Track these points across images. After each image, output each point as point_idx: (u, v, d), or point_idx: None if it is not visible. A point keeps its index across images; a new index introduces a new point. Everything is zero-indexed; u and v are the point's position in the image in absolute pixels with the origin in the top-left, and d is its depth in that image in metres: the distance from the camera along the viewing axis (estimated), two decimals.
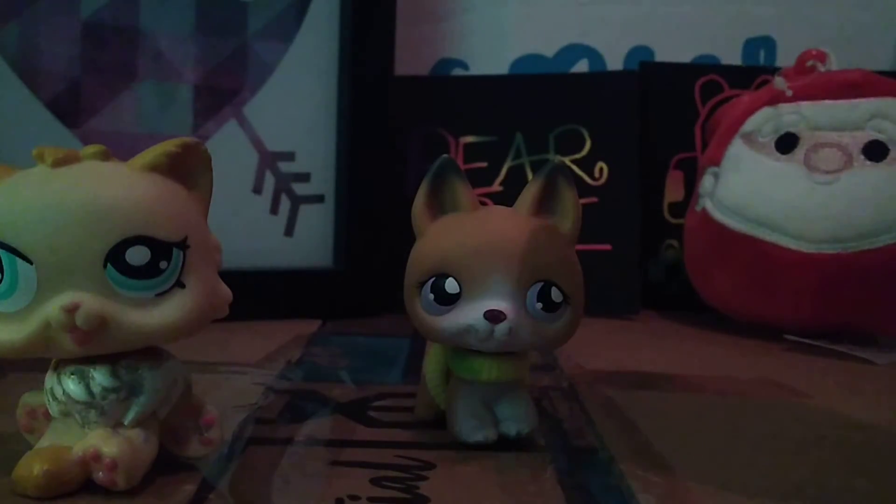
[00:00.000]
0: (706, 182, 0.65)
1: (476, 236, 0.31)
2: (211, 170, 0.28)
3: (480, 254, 0.31)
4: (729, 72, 0.77)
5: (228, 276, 0.29)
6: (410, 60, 0.77)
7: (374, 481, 0.28)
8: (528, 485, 0.29)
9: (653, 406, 0.40)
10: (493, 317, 0.30)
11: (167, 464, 0.28)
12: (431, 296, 0.31)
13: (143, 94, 0.62)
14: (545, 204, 0.32)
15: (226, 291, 0.28)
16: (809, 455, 0.32)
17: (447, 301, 0.31)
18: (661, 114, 0.77)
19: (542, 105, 0.74)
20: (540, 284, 0.31)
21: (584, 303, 0.32)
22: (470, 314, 0.30)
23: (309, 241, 0.67)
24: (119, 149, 0.27)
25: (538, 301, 0.31)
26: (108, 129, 0.61)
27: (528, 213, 0.32)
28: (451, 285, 0.31)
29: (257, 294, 0.59)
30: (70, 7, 0.60)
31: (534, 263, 0.30)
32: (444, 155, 0.33)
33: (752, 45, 0.84)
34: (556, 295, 0.31)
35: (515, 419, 0.32)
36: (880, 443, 0.35)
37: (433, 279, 0.31)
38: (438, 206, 0.33)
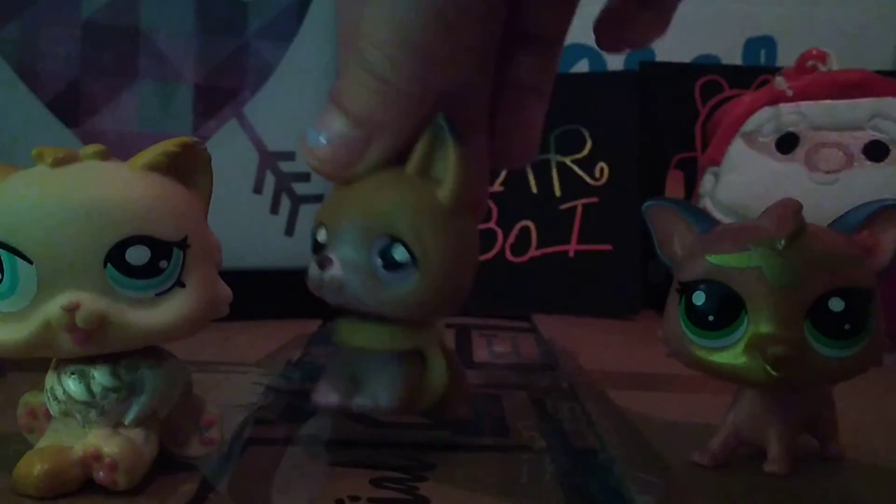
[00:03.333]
0: (706, 182, 0.65)
1: (348, 188, 0.29)
2: (211, 169, 0.28)
3: (342, 203, 0.29)
4: (729, 72, 0.77)
5: (228, 276, 0.29)
6: None
7: (375, 482, 0.28)
8: (528, 486, 0.29)
9: (653, 407, 0.40)
10: (321, 262, 0.28)
11: (167, 463, 0.28)
12: (311, 243, 0.30)
13: (144, 94, 0.62)
14: (435, 165, 0.29)
15: (226, 291, 0.28)
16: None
17: (317, 249, 0.30)
18: (661, 114, 0.77)
19: None
20: (385, 239, 0.28)
21: (452, 275, 0.29)
22: (313, 261, 0.29)
23: (309, 241, 0.67)
24: (119, 148, 0.27)
25: (379, 257, 0.28)
26: (109, 129, 0.61)
27: (414, 172, 0.29)
28: (321, 234, 0.29)
29: (257, 294, 0.59)
30: (70, 7, 0.60)
31: (383, 216, 0.28)
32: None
33: (752, 45, 0.84)
34: (399, 253, 0.28)
35: (369, 394, 0.30)
36: (881, 444, 0.35)
37: (314, 227, 0.30)
38: None
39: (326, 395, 0.30)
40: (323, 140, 0.28)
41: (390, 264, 0.28)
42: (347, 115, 0.27)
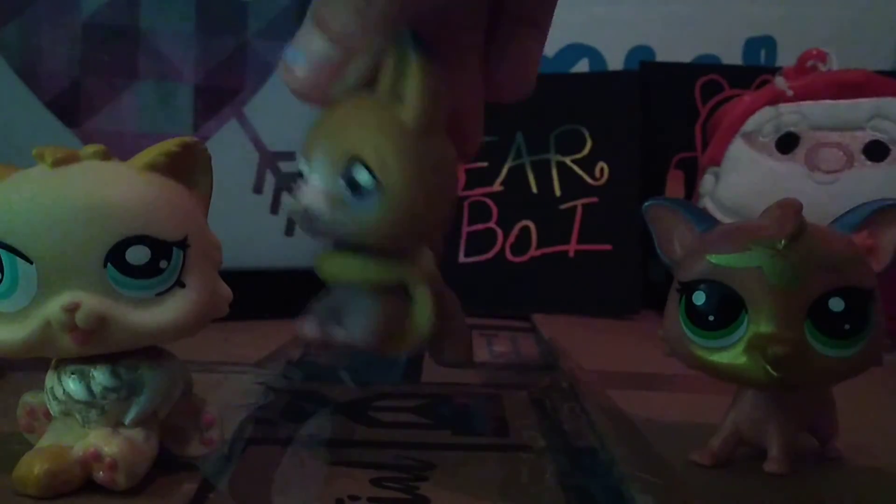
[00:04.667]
0: (706, 182, 0.65)
1: (322, 114, 0.29)
2: (211, 169, 0.28)
3: (315, 129, 0.29)
4: (729, 71, 0.77)
5: (228, 276, 0.29)
6: None
7: (375, 482, 0.28)
8: (528, 486, 0.29)
9: (653, 407, 0.40)
10: (292, 189, 0.28)
11: (167, 463, 0.28)
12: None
13: (144, 94, 0.62)
14: (400, 83, 0.28)
15: (226, 291, 0.28)
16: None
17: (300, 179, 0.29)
18: (661, 113, 0.77)
19: (543, 105, 0.74)
20: (349, 163, 0.27)
21: (415, 197, 0.28)
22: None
23: (309, 241, 0.67)
24: (119, 148, 0.27)
25: (342, 179, 0.27)
26: (109, 129, 0.61)
27: (385, 93, 0.28)
28: (302, 166, 0.29)
29: (257, 293, 0.59)
30: (70, 7, 0.60)
31: (348, 139, 0.27)
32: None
33: (752, 45, 0.84)
34: (362, 176, 0.27)
35: (345, 327, 0.29)
36: (881, 444, 0.35)
37: (299, 160, 0.29)
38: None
39: (308, 327, 0.29)
40: (301, 58, 0.28)
41: (354, 187, 0.27)
42: (327, 34, 0.27)
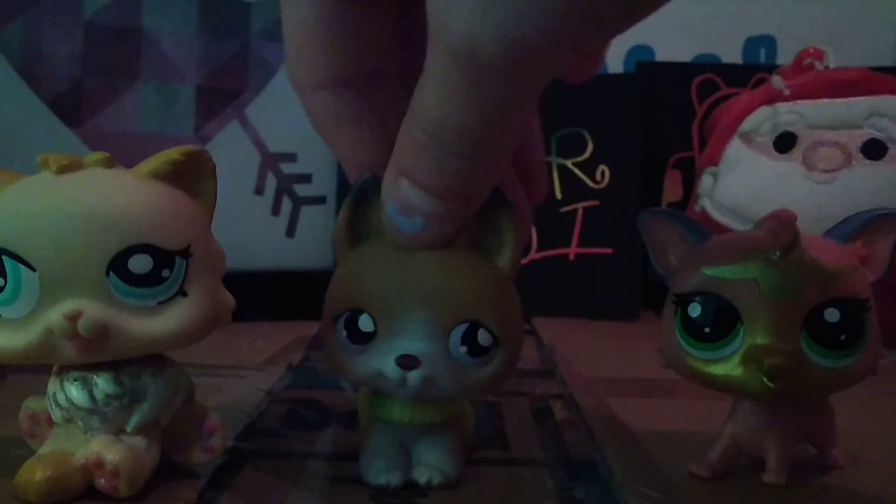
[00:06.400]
0: (705, 182, 0.65)
1: (395, 267, 0.27)
2: (215, 178, 0.28)
3: (398, 288, 0.27)
4: (726, 70, 0.77)
5: (229, 278, 0.29)
6: None
7: (375, 497, 0.28)
8: (527, 499, 0.28)
9: (653, 414, 0.40)
10: (405, 363, 0.26)
11: (169, 471, 0.28)
12: (345, 333, 0.27)
13: (146, 95, 0.62)
14: (482, 235, 0.28)
15: (229, 300, 0.28)
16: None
17: (361, 340, 0.27)
18: (658, 113, 0.76)
19: (544, 107, 0.74)
20: (465, 325, 0.27)
21: (521, 343, 0.29)
22: (382, 358, 0.27)
23: (310, 242, 0.67)
24: (121, 149, 0.27)
25: (463, 344, 0.27)
26: (110, 129, 0.61)
27: (462, 245, 0.27)
28: (364, 322, 0.27)
29: (258, 295, 0.59)
30: (73, 7, 0.60)
31: (459, 301, 0.27)
32: (368, 174, 0.28)
33: (752, 44, 0.84)
34: (484, 338, 0.27)
35: (428, 466, 0.29)
36: (880, 450, 0.35)
37: (347, 314, 0.27)
38: (361, 230, 0.29)
39: (386, 476, 0.29)
40: (417, 224, 0.25)
41: (475, 350, 0.27)
42: (439, 195, 0.25)
